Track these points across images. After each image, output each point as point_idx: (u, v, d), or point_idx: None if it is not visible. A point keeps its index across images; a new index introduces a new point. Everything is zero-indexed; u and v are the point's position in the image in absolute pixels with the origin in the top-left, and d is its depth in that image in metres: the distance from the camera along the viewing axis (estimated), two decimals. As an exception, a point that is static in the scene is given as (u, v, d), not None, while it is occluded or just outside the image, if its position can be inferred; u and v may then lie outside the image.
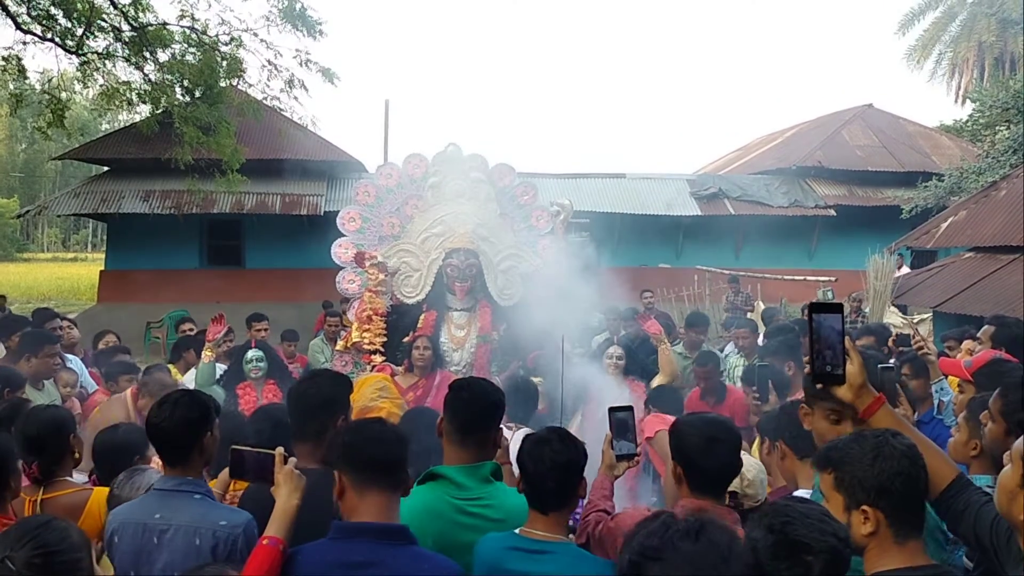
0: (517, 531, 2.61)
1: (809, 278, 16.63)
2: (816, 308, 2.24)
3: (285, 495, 2.45)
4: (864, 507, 2.00)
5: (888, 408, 2.28)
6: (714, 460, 2.61)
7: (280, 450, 2.56)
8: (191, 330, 7.47)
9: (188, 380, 5.97)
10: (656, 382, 5.91)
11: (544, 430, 2.74)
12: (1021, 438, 1.94)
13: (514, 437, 3.70)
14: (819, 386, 2.26)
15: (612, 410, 3.13)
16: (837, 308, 2.25)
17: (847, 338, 2.24)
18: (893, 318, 12.06)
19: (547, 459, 2.57)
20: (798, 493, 2.98)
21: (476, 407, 2.90)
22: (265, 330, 7.81)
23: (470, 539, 2.70)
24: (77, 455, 3.21)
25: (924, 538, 2.04)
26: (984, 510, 2.05)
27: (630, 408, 3.17)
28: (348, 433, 2.52)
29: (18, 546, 1.89)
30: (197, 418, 2.77)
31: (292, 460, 2.56)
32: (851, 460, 2.05)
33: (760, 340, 7.39)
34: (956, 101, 33.68)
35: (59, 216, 20.28)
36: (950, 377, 4.40)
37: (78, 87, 17.27)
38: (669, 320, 8.88)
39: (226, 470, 3.18)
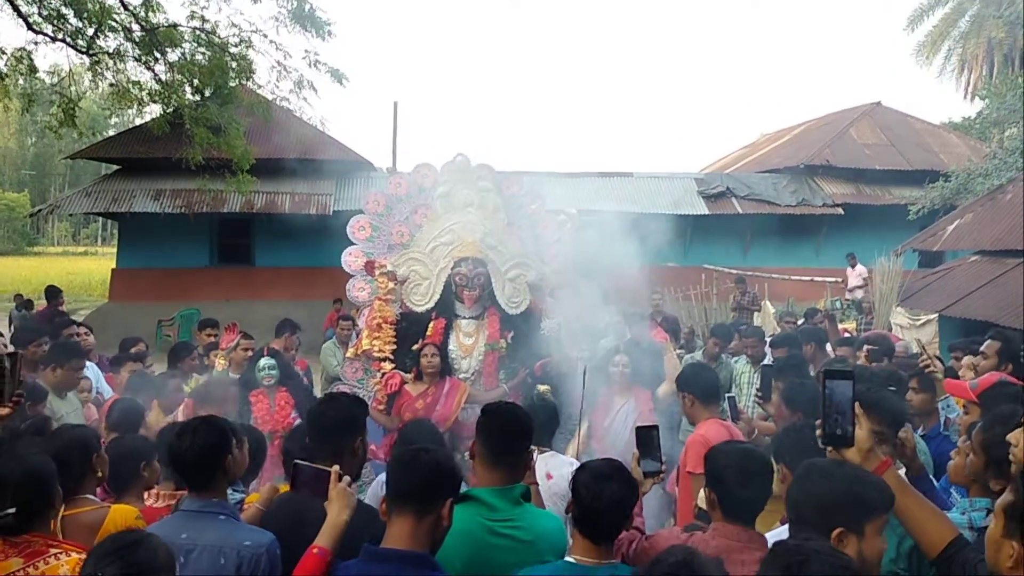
0: (570, 559, 2.70)
1: (816, 278, 16.68)
2: (829, 375, 2.44)
3: (336, 510, 2.59)
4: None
5: (894, 470, 2.43)
6: (748, 491, 2.78)
7: (336, 468, 2.70)
8: (213, 335, 7.51)
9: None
10: (662, 389, 5.98)
11: (603, 464, 2.81)
12: (1005, 493, 2.01)
13: (538, 460, 3.80)
14: (829, 449, 2.42)
15: (639, 429, 3.30)
16: (849, 375, 2.43)
17: (856, 404, 2.39)
18: (900, 319, 12.13)
19: (606, 496, 2.66)
20: None
21: (508, 432, 3.04)
22: (297, 338, 7.87)
23: (501, 560, 2.82)
24: (100, 474, 3.32)
25: None
26: (981, 567, 2.12)
27: (656, 427, 3.33)
28: (391, 459, 2.66)
29: (108, 562, 2.01)
30: (217, 443, 2.91)
31: (346, 479, 2.69)
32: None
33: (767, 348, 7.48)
34: (965, 97, 33.54)
35: (70, 215, 20.38)
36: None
37: (88, 83, 17.37)
38: (676, 323, 8.95)
39: (268, 485, 3.40)
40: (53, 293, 13.64)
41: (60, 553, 2.66)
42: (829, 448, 2.43)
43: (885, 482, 2.31)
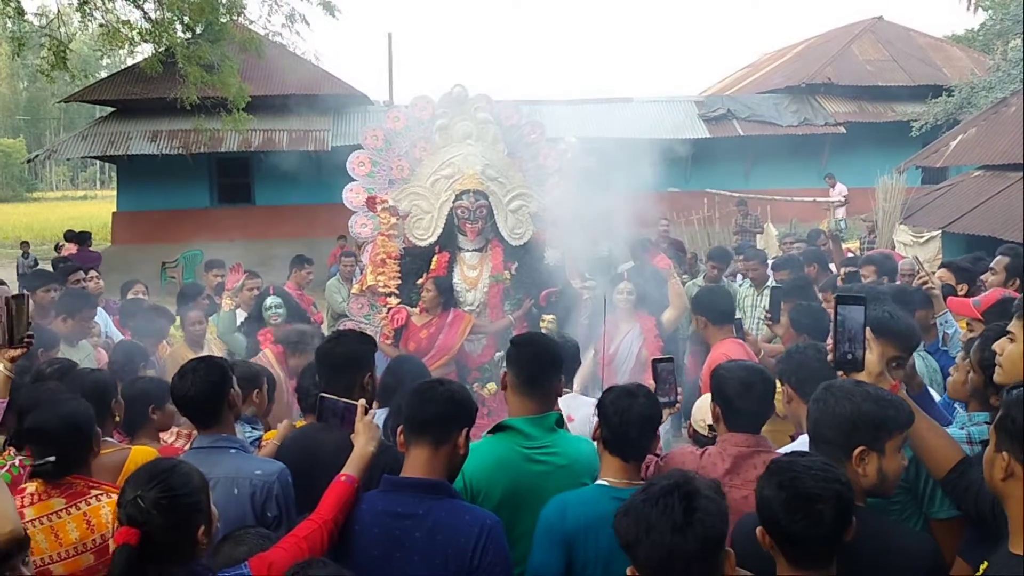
0: (603, 482, 2.76)
1: (819, 199, 16.62)
2: (841, 300, 2.48)
3: (363, 441, 2.68)
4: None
5: (903, 393, 2.46)
6: (749, 403, 2.91)
7: (362, 402, 2.79)
8: (220, 275, 7.55)
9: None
10: (666, 316, 6.02)
11: (628, 385, 2.90)
12: (998, 416, 2.03)
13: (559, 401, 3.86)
14: (839, 372, 2.47)
15: (655, 361, 3.42)
16: (861, 301, 2.46)
17: (867, 329, 2.44)
18: (903, 236, 12.12)
19: (635, 412, 2.73)
20: (803, 437, 3.14)
21: (541, 361, 3.11)
22: (310, 273, 8.07)
23: (540, 485, 2.90)
24: (117, 418, 3.39)
25: None
26: (984, 487, 2.15)
27: (671, 358, 3.46)
28: (408, 391, 2.71)
29: (147, 487, 2.12)
30: (218, 380, 2.98)
31: (372, 412, 2.79)
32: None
33: (769, 270, 7.49)
34: (968, 8, 32.86)
35: (68, 159, 20.26)
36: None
37: (77, 24, 17.13)
38: (682, 249, 8.94)
39: (285, 422, 3.52)
40: (83, 238, 14.25)
41: (101, 495, 2.75)
42: (839, 372, 2.47)
43: (903, 400, 2.34)
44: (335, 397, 2.86)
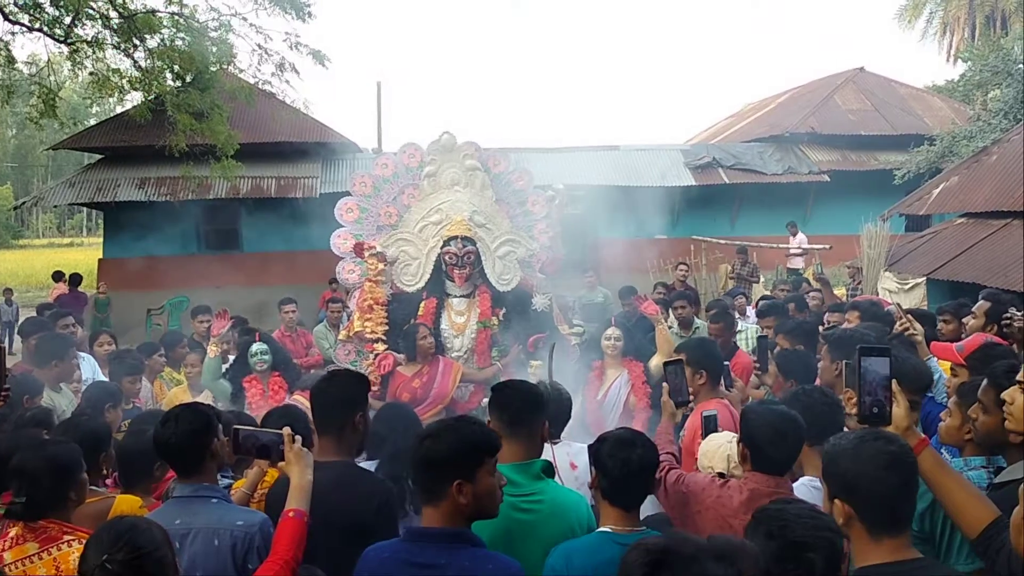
0: (606, 529, 2.76)
1: (804, 246, 16.72)
2: (864, 352, 2.41)
3: (299, 472, 2.65)
4: (836, 499, 2.13)
5: (932, 450, 2.38)
6: (780, 450, 2.93)
7: (287, 430, 2.76)
8: (206, 321, 7.55)
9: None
10: (654, 362, 6.01)
11: (623, 433, 2.91)
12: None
13: (557, 452, 3.83)
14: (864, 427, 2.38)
15: (667, 363, 3.66)
16: (885, 352, 2.40)
17: (893, 381, 2.38)
18: (888, 283, 12.19)
19: (635, 463, 2.74)
20: (804, 479, 3.14)
21: (523, 402, 3.11)
22: (292, 312, 8.54)
23: (526, 534, 2.89)
24: (105, 472, 3.34)
25: (906, 534, 2.16)
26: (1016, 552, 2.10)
27: (681, 360, 3.72)
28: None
29: (114, 550, 2.07)
30: (200, 429, 2.92)
31: (299, 439, 2.76)
32: (834, 455, 2.19)
33: (751, 310, 7.50)
34: (948, 60, 33.57)
35: (55, 206, 20.25)
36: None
37: (67, 72, 17.24)
38: (696, 296, 8.93)
39: (255, 469, 3.41)
40: (74, 279, 14.98)
41: (73, 540, 2.72)
42: (864, 427, 2.38)
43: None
44: (253, 429, 2.84)
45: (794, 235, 16.97)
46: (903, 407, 2.37)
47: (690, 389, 3.87)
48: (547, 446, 3.80)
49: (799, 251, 16.64)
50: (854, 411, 2.45)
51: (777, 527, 2.01)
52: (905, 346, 4.52)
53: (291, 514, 2.52)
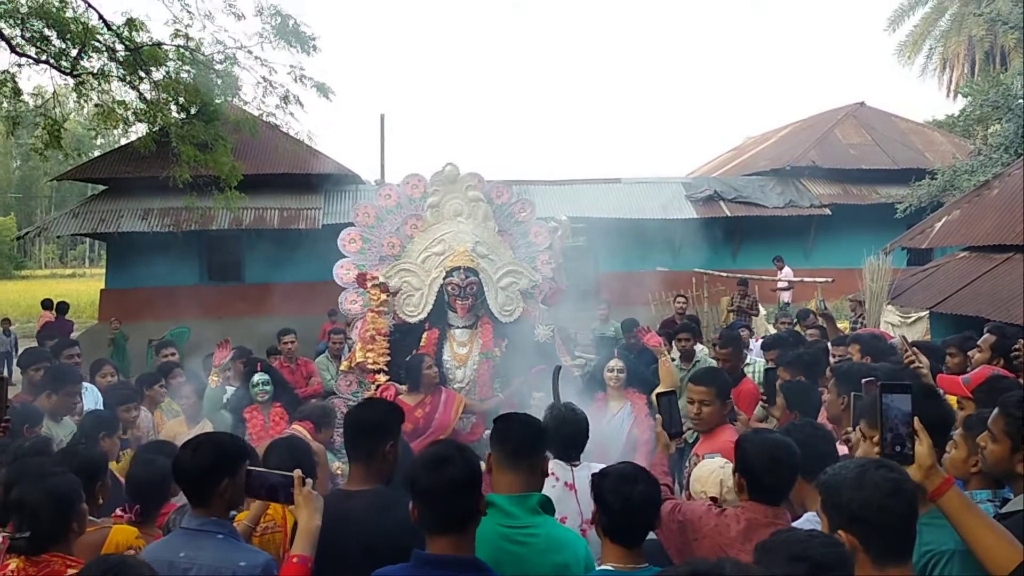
0: (608, 567, 2.70)
1: (806, 279, 16.71)
2: (886, 388, 2.34)
3: (307, 516, 2.60)
4: (839, 531, 2.12)
5: (957, 490, 2.32)
6: (776, 479, 2.94)
7: (298, 472, 2.71)
8: (172, 355, 7.47)
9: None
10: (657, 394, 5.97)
11: (625, 467, 2.86)
12: None
13: (576, 474, 3.77)
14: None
15: (659, 395, 3.64)
16: (907, 389, 2.34)
17: (916, 419, 2.32)
18: (891, 316, 12.16)
19: (637, 500, 2.68)
20: (807, 515, 3.09)
21: (525, 433, 3.08)
22: (292, 343, 8.51)
23: (516, 568, 2.83)
24: (101, 501, 3.30)
25: (909, 563, 2.14)
26: None
27: (674, 392, 3.77)
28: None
29: None
30: (211, 465, 2.82)
31: (309, 482, 2.71)
32: (835, 485, 2.17)
33: (756, 344, 7.44)
34: (948, 96, 33.77)
35: (58, 237, 20.30)
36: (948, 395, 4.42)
37: (72, 104, 17.36)
38: (698, 326, 8.90)
39: (257, 503, 3.30)
40: (61, 307, 14.81)
41: (75, 574, 2.65)
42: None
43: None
44: (264, 470, 2.80)
45: (780, 269, 17.07)
46: (926, 445, 2.30)
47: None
48: (567, 468, 3.78)
49: (785, 285, 16.72)
50: (875, 449, 2.40)
51: (801, 549, 1.99)
52: (910, 376, 4.49)
53: (295, 559, 2.48)
